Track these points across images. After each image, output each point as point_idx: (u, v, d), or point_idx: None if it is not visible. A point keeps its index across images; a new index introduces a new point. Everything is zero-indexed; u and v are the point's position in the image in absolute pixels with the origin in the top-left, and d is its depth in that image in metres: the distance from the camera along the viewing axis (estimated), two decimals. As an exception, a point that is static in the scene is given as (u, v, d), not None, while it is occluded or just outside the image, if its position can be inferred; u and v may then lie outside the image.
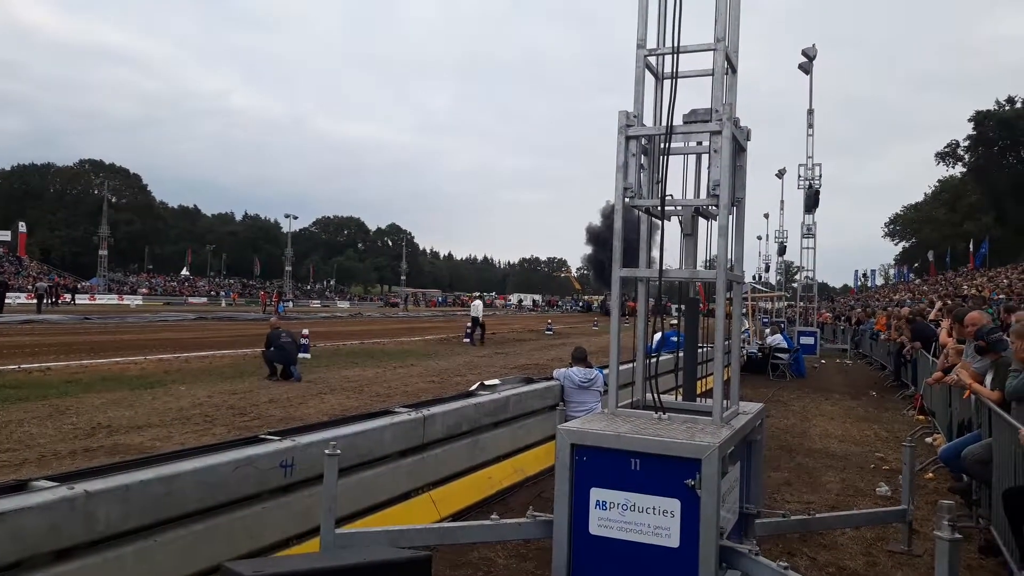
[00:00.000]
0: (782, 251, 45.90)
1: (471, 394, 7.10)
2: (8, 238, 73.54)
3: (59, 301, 51.12)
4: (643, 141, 4.20)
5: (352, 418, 5.63)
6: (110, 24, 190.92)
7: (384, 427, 5.39)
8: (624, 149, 4.03)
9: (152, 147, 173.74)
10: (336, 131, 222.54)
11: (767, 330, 21.99)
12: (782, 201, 45.20)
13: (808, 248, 31.00)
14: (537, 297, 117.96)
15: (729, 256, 4.10)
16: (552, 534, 3.80)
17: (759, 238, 64.29)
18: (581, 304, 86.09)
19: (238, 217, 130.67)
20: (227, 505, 4.19)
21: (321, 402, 11.64)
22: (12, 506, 3.10)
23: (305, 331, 19.41)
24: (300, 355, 16.35)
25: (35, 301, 42.88)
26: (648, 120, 4.19)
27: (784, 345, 19.75)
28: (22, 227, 75.04)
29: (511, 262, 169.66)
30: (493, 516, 4.16)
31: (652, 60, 4.14)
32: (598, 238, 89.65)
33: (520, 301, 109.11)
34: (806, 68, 27.18)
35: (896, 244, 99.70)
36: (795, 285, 42.89)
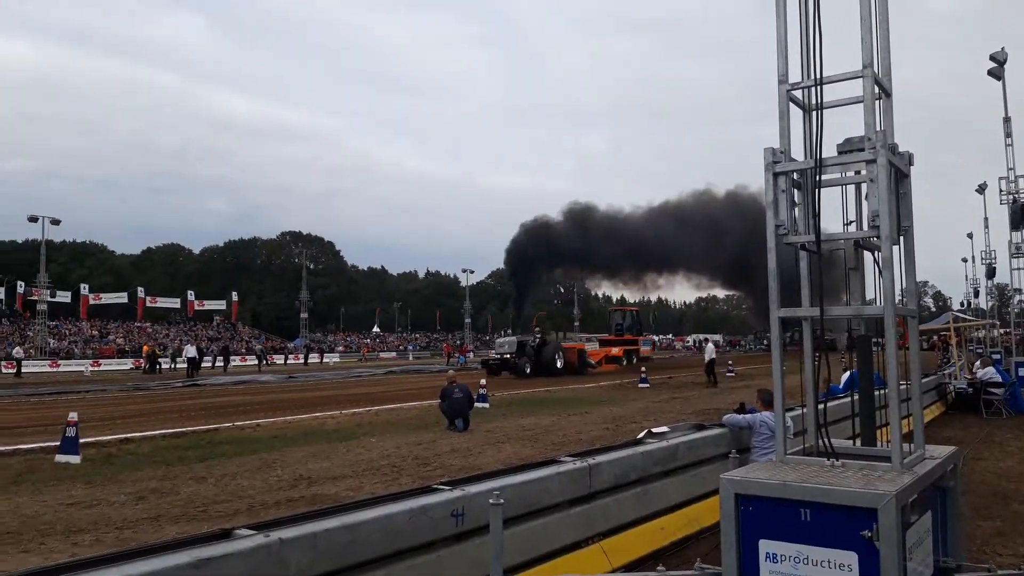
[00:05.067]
0: (991, 274, 41.33)
1: (638, 442, 7.02)
2: (224, 307, 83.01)
3: (270, 362, 56.49)
4: (795, 175, 4.08)
5: (520, 467, 5.76)
6: (292, 107, 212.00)
7: (551, 476, 5.48)
8: (773, 186, 3.94)
9: (340, 215, 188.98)
10: (500, 185, 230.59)
11: (977, 362, 19.84)
12: (986, 219, 40.98)
13: (1019, 269, 27.77)
14: (718, 337, 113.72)
15: (900, 289, 3.86)
16: (721, 587, 3.68)
17: (964, 260, 58.40)
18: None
19: (420, 275, 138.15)
20: (405, 552, 4.42)
21: (498, 451, 11.93)
22: (217, 552, 3.49)
23: (483, 381, 20.07)
24: (478, 404, 16.91)
25: (255, 361, 49.46)
26: (798, 153, 4.07)
27: (998, 379, 17.71)
28: (235, 296, 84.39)
29: (687, 302, 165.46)
30: (660, 568, 4.10)
31: (797, 93, 4.03)
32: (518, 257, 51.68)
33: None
34: (997, 74, 24.82)
35: None
36: (1010, 311, 38.43)
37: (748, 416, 7.88)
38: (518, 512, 5.04)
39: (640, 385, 26.61)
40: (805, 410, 4.39)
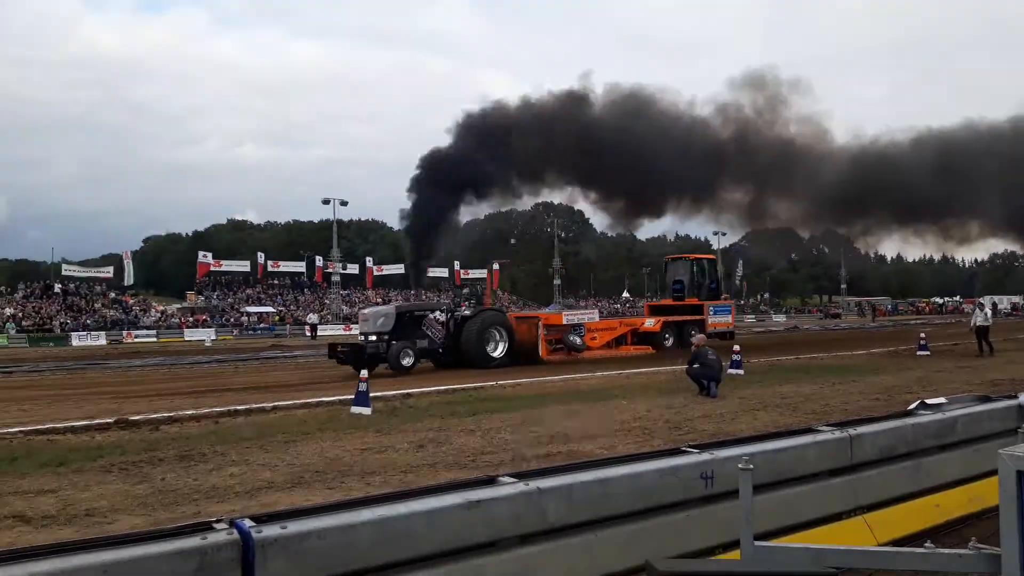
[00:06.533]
0: None
1: (908, 413, 6.51)
2: (484, 275, 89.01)
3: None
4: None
5: (772, 435, 5.66)
6: (550, 81, 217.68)
7: (806, 445, 5.32)
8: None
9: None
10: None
11: None
12: None
13: None
14: (1017, 299, 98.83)
15: None
16: (1000, 570, 3.40)
17: None
18: None
19: (670, 238, 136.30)
20: (654, 510, 4.59)
21: (753, 418, 11.62)
22: (485, 496, 3.93)
23: (736, 347, 19.53)
24: (732, 370, 16.54)
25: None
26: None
27: None
28: (496, 265, 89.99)
29: (979, 260, 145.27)
30: (927, 544, 3.86)
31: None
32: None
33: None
34: None
35: None
36: None
37: None
38: (770, 479, 4.97)
39: (919, 352, 24.17)
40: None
